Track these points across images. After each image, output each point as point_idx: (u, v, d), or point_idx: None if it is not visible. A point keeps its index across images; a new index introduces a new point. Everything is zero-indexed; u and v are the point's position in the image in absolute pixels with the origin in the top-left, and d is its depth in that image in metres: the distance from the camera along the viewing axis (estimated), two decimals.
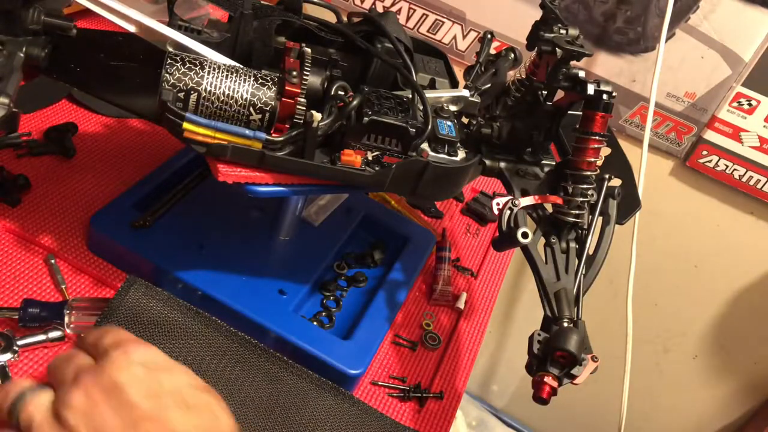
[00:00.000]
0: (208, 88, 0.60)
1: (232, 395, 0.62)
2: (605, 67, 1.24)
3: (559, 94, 0.71)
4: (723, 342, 1.47)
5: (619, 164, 0.79)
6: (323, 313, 0.81)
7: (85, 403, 0.39)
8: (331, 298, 0.83)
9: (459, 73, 0.79)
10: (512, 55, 0.81)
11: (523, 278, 1.57)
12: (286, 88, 0.61)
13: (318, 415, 0.64)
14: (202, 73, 0.60)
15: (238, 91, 0.61)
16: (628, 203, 0.74)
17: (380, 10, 1.33)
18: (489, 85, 0.78)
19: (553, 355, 0.57)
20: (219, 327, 0.64)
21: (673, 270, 1.42)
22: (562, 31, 0.70)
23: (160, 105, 0.59)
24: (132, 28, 0.64)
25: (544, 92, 0.72)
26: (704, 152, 1.24)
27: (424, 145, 0.68)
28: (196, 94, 0.60)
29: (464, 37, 1.32)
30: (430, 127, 0.66)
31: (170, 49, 0.62)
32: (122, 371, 0.41)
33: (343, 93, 0.64)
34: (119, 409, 0.39)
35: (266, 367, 0.64)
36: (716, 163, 1.24)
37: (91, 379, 0.41)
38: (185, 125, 0.58)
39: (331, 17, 0.78)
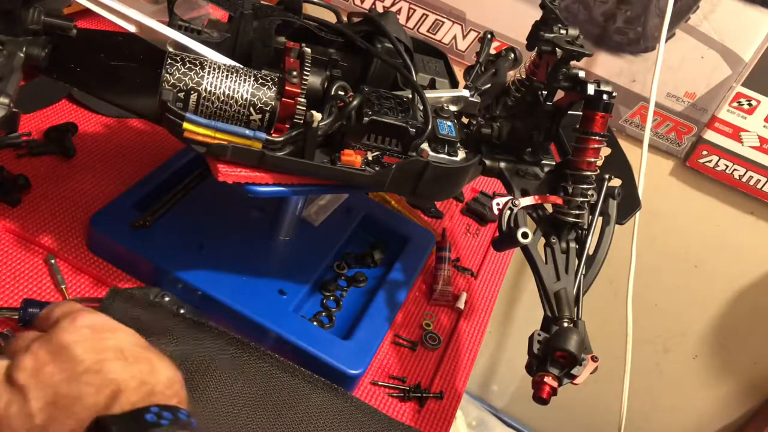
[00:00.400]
0: (208, 88, 0.60)
1: (224, 393, 0.62)
2: (605, 67, 1.24)
3: (559, 94, 0.71)
4: (723, 342, 1.47)
5: (619, 164, 0.79)
6: (323, 313, 0.81)
7: (33, 364, 0.43)
8: (331, 298, 0.83)
9: (459, 73, 0.79)
10: (512, 55, 0.81)
11: (523, 278, 1.57)
12: (286, 88, 0.61)
13: (311, 411, 0.64)
14: (202, 73, 0.60)
15: (238, 91, 0.61)
16: (628, 203, 0.74)
17: (380, 10, 1.33)
18: (489, 85, 0.78)
19: (553, 355, 0.57)
20: (209, 329, 0.64)
21: (673, 270, 1.41)
22: (562, 31, 0.70)
23: (160, 105, 0.59)
24: (132, 28, 0.64)
25: (544, 92, 0.72)
26: (704, 152, 1.24)
27: (424, 145, 0.68)
28: (196, 94, 0.60)
29: (464, 37, 1.32)
30: (430, 127, 0.66)
31: (170, 49, 0.62)
32: (68, 333, 0.44)
33: (343, 93, 0.64)
34: (64, 365, 0.42)
35: (257, 365, 0.64)
36: (716, 163, 1.24)
37: (40, 344, 0.44)
38: (185, 125, 0.58)
39: (331, 17, 0.78)
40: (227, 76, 0.61)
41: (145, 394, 0.43)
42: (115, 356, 0.44)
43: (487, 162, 0.73)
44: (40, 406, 0.41)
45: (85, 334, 0.45)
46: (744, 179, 1.24)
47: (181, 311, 0.66)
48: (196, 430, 0.42)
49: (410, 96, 0.70)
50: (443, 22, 1.32)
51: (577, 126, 0.67)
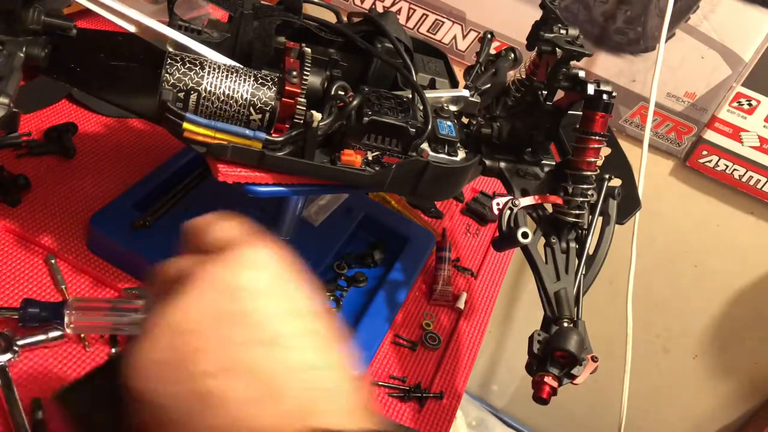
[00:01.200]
0: (208, 88, 0.60)
1: None
2: (605, 67, 1.23)
3: (559, 94, 0.71)
4: (723, 342, 1.47)
5: (619, 164, 0.79)
6: None
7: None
8: (331, 298, 0.83)
9: (459, 73, 0.78)
10: (512, 55, 0.81)
11: (523, 278, 1.57)
12: (286, 88, 0.61)
13: None
14: (202, 73, 0.60)
15: (238, 91, 0.61)
16: (628, 203, 0.74)
17: (380, 10, 1.33)
18: (489, 85, 0.78)
19: (553, 355, 0.57)
20: None
21: (673, 270, 1.41)
22: (562, 31, 0.70)
23: (160, 105, 0.59)
24: (132, 28, 0.64)
25: (544, 92, 0.72)
26: (704, 152, 1.24)
27: (424, 145, 0.68)
28: (196, 94, 0.60)
29: (464, 37, 1.32)
30: (430, 127, 0.66)
31: (170, 49, 0.62)
32: (241, 272, 0.31)
33: (343, 93, 0.64)
34: (240, 330, 0.30)
35: None
36: (716, 163, 1.24)
37: (200, 275, 0.31)
38: (185, 125, 0.58)
39: (331, 17, 0.78)
40: (227, 76, 0.61)
41: (342, 414, 0.31)
42: (311, 345, 0.31)
43: (487, 162, 0.73)
44: (211, 370, 0.29)
45: (265, 281, 0.31)
46: (744, 179, 1.24)
47: None
48: None
49: (410, 96, 0.70)
50: (443, 22, 1.32)
51: (577, 126, 0.67)
